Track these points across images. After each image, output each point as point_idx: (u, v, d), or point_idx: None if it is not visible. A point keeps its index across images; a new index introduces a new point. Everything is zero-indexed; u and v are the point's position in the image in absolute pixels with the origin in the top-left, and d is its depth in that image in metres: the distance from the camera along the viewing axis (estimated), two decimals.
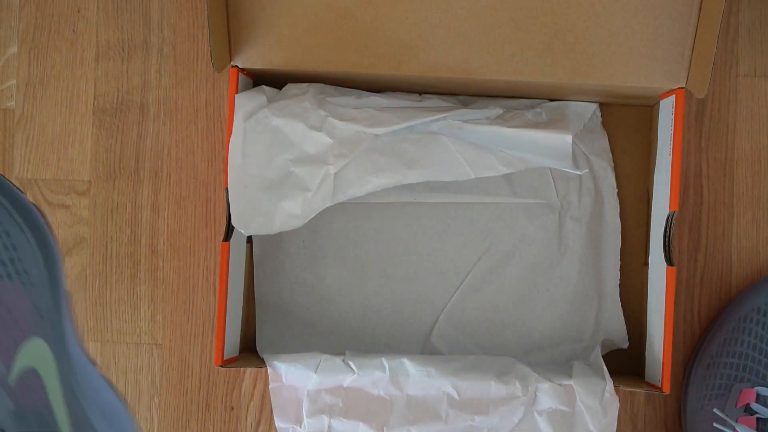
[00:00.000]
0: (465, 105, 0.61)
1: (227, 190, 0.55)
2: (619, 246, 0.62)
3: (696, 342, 0.63)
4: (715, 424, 0.57)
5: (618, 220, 0.62)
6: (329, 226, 0.62)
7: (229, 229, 0.55)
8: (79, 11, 0.64)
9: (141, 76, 0.65)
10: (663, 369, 0.55)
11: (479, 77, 0.56)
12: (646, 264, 0.61)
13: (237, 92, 0.56)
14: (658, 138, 0.59)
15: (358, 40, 0.55)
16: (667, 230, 0.55)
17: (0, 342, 0.39)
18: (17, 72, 0.64)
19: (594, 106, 0.62)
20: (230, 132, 0.55)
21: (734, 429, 0.55)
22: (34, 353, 0.41)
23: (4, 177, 0.43)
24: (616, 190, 0.62)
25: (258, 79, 0.59)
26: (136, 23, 0.65)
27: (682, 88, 0.55)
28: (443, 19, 0.55)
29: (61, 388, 0.41)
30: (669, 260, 0.55)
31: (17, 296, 0.42)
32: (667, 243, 0.56)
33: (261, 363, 0.58)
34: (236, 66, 0.56)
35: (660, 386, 0.55)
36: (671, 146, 0.55)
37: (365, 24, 0.55)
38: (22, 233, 0.44)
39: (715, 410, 0.57)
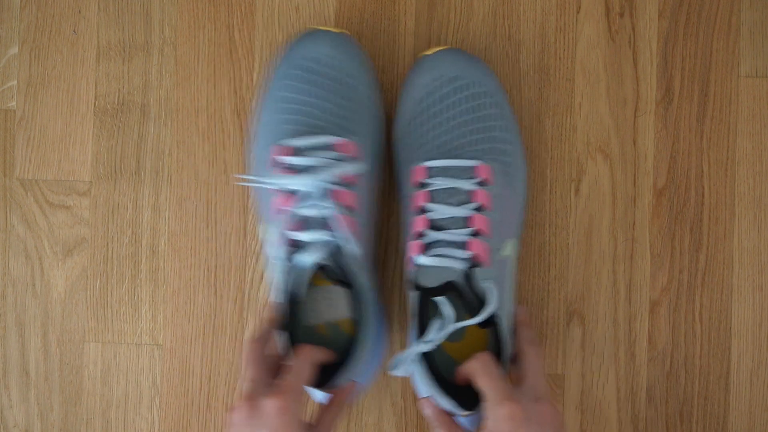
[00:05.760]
0: None
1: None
2: None
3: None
4: None
5: None
6: None
7: None
8: (80, 12, 0.64)
9: (142, 76, 0.65)
10: None
11: None
12: None
13: None
14: None
15: None
16: None
17: (502, 234, 0.57)
18: (18, 72, 0.64)
19: None
20: None
21: None
22: (511, 247, 0.58)
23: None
24: None
25: None
26: (136, 24, 0.65)
27: None
28: None
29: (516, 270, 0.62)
30: None
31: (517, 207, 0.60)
32: None
33: None
34: None
35: None
36: None
37: None
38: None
39: None
